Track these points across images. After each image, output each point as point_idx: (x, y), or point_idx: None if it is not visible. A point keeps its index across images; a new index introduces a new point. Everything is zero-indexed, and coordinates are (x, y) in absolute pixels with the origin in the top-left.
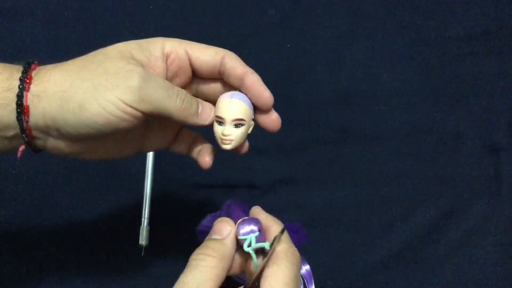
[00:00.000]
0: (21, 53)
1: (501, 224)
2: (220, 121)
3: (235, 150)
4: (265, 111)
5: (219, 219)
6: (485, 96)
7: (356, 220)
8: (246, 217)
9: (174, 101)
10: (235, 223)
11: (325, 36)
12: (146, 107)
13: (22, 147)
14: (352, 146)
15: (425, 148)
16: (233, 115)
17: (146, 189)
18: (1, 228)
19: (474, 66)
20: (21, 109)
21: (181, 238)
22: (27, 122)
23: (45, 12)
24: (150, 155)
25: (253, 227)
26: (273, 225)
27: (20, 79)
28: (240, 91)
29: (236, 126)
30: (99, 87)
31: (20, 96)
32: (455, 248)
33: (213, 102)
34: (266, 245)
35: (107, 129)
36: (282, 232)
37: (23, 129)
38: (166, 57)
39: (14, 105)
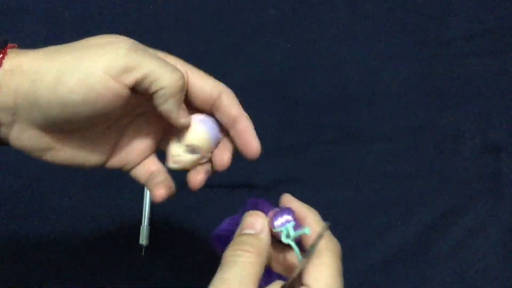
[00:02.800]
0: None
1: (501, 224)
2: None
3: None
4: (248, 158)
5: (249, 213)
6: (485, 96)
7: (356, 220)
8: (278, 208)
9: (168, 71)
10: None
11: (325, 36)
12: (133, 78)
13: None
14: (352, 146)
15: (425, 148)
16: (190, 140)
17: (146, 189)
18: (0, 228)
19: (474, 66)
20: None
21: (181, 238)
22: None
23: (45, 12)
24: None
25: (288, 217)
26: (309, 215)
27: None
28: (214, 116)
29: (189, 151)
30: (81, 58)
31: None
32: (455, 248)
33: None
34: (307, 231)
35: (84, 108)
36: (324, 227)
37: None
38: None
39: None
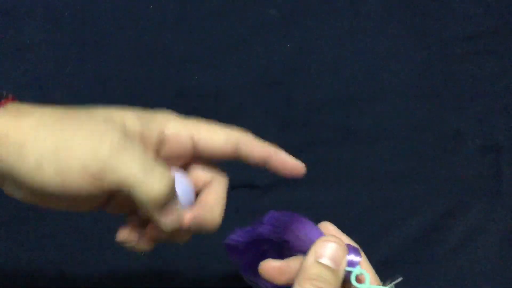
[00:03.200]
0: (21, 53)
1: (501, 224)
2: None
3: None
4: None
5: (331, 238)
6: (485, 96)
7: (356, 220)
8: (347, 244)
9: (150, 184)
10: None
11: (325, 36)
12: (109, 180)
13: None
14: (352, 146)
15: (425, 148)
16: None
17: None
18: (0, 228)
19: (474, 66)
20: None
21: None
22: None
23: (45, 12)
24: None
25: (358, 258)
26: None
27: None
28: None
29: None
30: (62, 150)
31: None
32: (455, 248)
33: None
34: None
35: (65, 194)
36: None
37: None
38: (164, 140)
39: None
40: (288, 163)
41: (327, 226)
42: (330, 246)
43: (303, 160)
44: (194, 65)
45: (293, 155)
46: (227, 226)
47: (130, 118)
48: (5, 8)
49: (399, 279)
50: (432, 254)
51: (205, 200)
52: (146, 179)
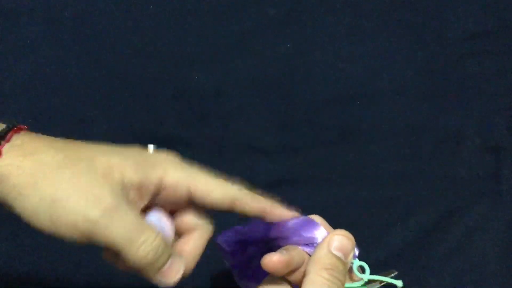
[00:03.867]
0: (21, 53)
1: (501, 224)
2: None
3: None
4: None
5: (344, 232)
6: (485, 96)
7: (356, 220)
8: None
9: (136, 250)
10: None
11: (325, 36)
12: (99, 238)
13: None
14: (352, 146)
15: (425, 148)
16: None
17: None
18: (0, 228)
19: (474, 66)
20: None
21: None
22: None
23: (45, 12)
24: None
25: (357, 251)
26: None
27: None
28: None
29: None
30: (58, 204)
31: None
32: (455, 248)
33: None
34: (399, 284)
35: (58, 238)
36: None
37: None
38: (161, 187)
39: None
40: (284, 215)
41: (315, 219)
42: (341, 240)
43: (303, 160)
44: (194, 65)
45: (293, 155)
46: (227, 226)
47: (130, 169)
48: (5, 8)
49: (395, 273)
50: (432, 254)
51: (181, 249)
52: (133, 246)
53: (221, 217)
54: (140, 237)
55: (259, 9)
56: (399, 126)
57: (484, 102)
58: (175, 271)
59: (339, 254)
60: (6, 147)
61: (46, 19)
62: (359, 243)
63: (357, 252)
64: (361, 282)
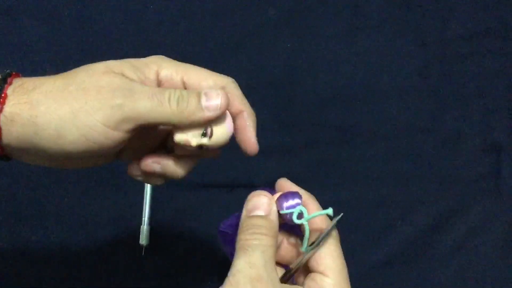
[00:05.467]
0: (21, 53)
1: (501, 224)
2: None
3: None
4: (246, 155)
5: (255, 193)
6: (485, 96)
7: (356, 220)
8: (285, 191)
9: (167, 106)
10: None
11: (325, 36)
12: (134, 124)
13: None
14: (352, 146)
15: (425, 148)
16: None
17: (146, 189)
18: (0, 229)
19: (474, 66)
20: None
21: (181, 238)
22: None
23: (45, 12)
24: None
25: (297, 200)
26: (310, 199)
27: None
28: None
29: (203, 135)
30: (79, 112)
31: None
32: (455, 248)
33: None
34: (330, 211)
35: (88, 154)
36: (337, 217)
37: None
38: (160, 82)
39: None
40: (249, 134)
41: (282, 181)
42: (256, 199)
43: (303, 160)
44: (194, 64)
45: (293, 155)
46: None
47: (126, 67)
48: (5, 8)
49: (341, 215)
50: (432, 254)
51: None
52: (163, 106)
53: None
54: (164, 95)
55: (259, 9)
56: (399, 126)
57: (484, 102)
58: (215, 99)
59: (258, 212)
60: (10, 89)
61: (46, 19)
62: (359, 242)
63: (297, 201)
64: (306, 226)
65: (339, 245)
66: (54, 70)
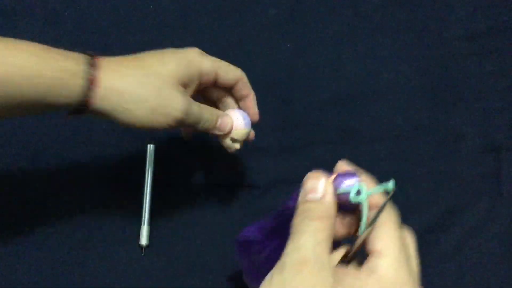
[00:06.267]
0: None
1: (501, 224)
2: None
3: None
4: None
5: (310, 175)
6: (485, 96)
7: None
8: (341, 172)
9: (204, 120)
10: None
11: (325, 36)
12: (183, 123)
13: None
14: (352, 146)
15: (425, 148)
16: (236, 134)
17: (146, 189)
18: (0, 228)
19: (474, 66)
20: (88, 95)
21: (181, 238)
22: (88, 107)
23: (45, 12)
24: (150, 155)
25: (355, 178)
26: (368, 180)
27: (86, 77)
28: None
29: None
30: (155, 111)
31: (85, 95)
32: (455, 248)
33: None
34: (391, 184)
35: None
36: (391, 192)
37: (83, 107)
38: (201, 77)
39: (81, 84)
40: (255, 108)
41: (341, 163)
42: (311, 181)
43: (303, 160)
44: None
45: (293, 155)
46: (226, 226)
47: (182, 73)
48: (5, 8)
49: (394, 188)
50: (432, 254)
51: (245, 106)
52: (203, 118)
53: (225, 220)
54: (203, 112)
55: (259, 9)
56: (399, 126)
57: (484, 102)
58: (225, 123)
59: (312, 196)
60: (100, 66)
61: (46, 19)
62: None
63: (353, 181)
64: (364, 204)
65: (397, 221)
66: None
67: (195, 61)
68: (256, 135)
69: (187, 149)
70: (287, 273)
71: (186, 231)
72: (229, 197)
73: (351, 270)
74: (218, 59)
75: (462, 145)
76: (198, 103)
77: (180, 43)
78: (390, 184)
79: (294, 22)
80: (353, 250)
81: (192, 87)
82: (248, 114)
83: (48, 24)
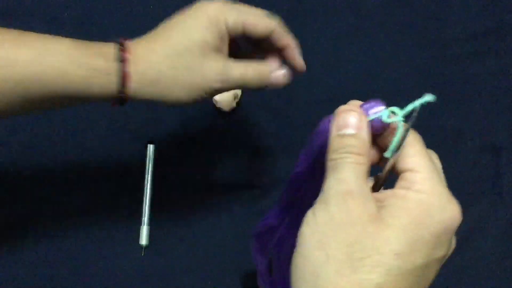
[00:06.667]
0: None
1: (501, 224)
2: None
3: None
4: (298, 73)
5: (342, 108)
6: (485, 96)
7: None
8: (367, 101)
9: (249, 79)
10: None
11: (325, 36)
12: (228, 88)
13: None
14: None
15: None
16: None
17: (146, 189)
18: (0, 228)
19: (474, 66)
20: (122, 89)
21: (181, 238)
22: (126, 93)
23: (45, 12)
24: (150, 155)
25: (381, 106)
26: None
27: (119, 60)
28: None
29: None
30: (192, 88)
31: (121, 78)
32: (455, 248)
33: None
34: (429, 98)
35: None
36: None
37: (122, 99)
38: (229, 33)
39: (115, 80)
40: (298, 60)
41: (353, 103)
42: (344, 115)
43: None
44: None
45: (294, 155)
46: (227, 226)
47: (210, 37)
48: (5, 8)
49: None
50: None
51: (287, 55)
52: (248, 75)
53: (225, 221)
54: (247, 68)
55: None
56: None
57: (484, 102)
58: (278, 71)
59: (348, 131)
60: (131, 51)
61: (46, 19)
62: None
63: (382, 107)
64: (399, 124)
65: (421, 140)
66: None
67: (218, 19)
68: (256, 135)
69: (187, 149)
70: (333, 205)
71: (186, 231)
72: (229, 197)
73: (388, 192)
74: (246, 9)
75: (462, 145)
76: (239, 63)
77: None
78: (427, 97)
79: (294, 22)
80: (384, 175)
81: (225, 46)
82: (293, 65)
83: (48, 24)
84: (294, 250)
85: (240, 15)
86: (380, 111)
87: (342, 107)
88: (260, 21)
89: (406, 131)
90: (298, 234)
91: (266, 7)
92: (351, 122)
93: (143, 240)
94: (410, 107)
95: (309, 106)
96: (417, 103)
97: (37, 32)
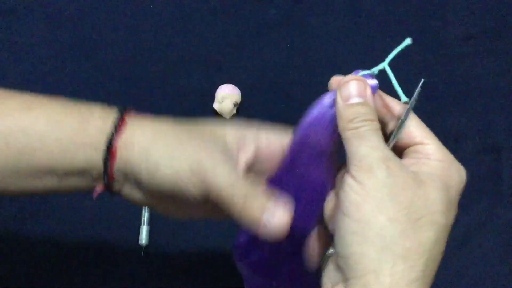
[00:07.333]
0: (21, 53)
1: (501, 224)
2: None
3: None
4: None
5: (345, 79)
6: (485, 96)
7: None
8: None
9: (237, 193)
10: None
11: (325, 36)
12: (206, 186)
13: (99, 188)
14: None
15: None
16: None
17: None
18: (0, 228)
19: (474, 66)
20: (109, 153)
21: (181, 238)
22: (112, 166)
23: (45, 12)
24: None
25: (374, 80)
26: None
27: (114, 123)
28: None
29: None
30: (176, 154)
31: (110, 140)
32: (454, 248)
33: None
34: (408, 42)
35: (173, 193)
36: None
37: (106, 172)
38: (256, 152)
39: (103, 148)
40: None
41: (335, 78)
42: (347, 87)
43: None
44: (194, 65)
45: None
46: (226, 226)
47: (230, 134)
48: (5, 8)
49: (422, 81)
50: None
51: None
52: (235, 189)
53: (225, 223)
54: (239, 183)
55: (259, 9)
56: None
57: (484, 102)
58: (279, 218)
59: (351, 101)
60: (129, 122)
61: (46, 19)
62: None
63: (375, 82)
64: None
65: (416, 116)
66: (54, 70)
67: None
68: None
69: None
70: (379, 172)
71: (186, 231)
72: None
73: (409, 160)
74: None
75: (462, 145)
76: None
77: (180, 43)
78: (407, 41)
79: (294, 22)
80: (391, 143)
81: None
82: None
83: (48, 24)
84: (341, 219)
85: (256, 138)
86: (366, 73)
87: (344, 79)
88: (275, 141)
89: (413, 101)
90: (344, 203)
91: (267, 7)
92: (357, 90)
93: (143, 240)
94: (393, 53)
95: (309, 106)
96: (398, 48)
97: (37, 32)
